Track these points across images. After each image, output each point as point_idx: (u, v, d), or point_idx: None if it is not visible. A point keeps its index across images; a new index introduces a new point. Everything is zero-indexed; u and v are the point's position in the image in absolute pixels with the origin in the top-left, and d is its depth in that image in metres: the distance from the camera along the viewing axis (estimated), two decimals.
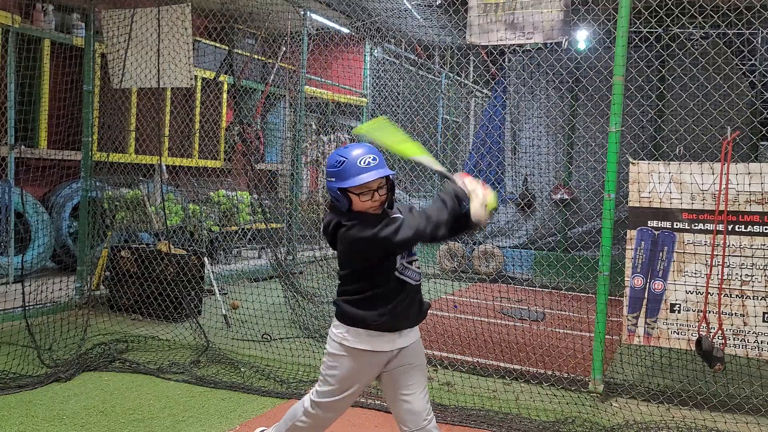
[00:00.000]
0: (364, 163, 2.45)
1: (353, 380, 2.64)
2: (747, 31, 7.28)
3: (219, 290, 6.27)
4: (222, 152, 9.20)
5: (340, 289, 2.66)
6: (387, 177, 2.53)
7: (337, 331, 2.63)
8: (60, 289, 5.96)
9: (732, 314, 4.10)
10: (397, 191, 10.80)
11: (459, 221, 2.51)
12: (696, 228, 4.18)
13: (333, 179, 2.50)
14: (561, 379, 4.57)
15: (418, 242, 2.48)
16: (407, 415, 2.61)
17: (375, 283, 2.55)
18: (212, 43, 8.67)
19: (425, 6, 7.78)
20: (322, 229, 2.66)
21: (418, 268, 2.64)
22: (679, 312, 4.21)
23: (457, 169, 12.49)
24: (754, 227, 4.06)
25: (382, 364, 2.63)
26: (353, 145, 2.55)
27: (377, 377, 2.68)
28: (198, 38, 8.50)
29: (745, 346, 4.08)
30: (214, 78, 8.84)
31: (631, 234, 4.31)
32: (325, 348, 2.75)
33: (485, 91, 12.98)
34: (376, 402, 3.99)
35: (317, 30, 8.68)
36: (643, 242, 4.28)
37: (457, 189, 2.48)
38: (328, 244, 2.68)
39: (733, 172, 4.06)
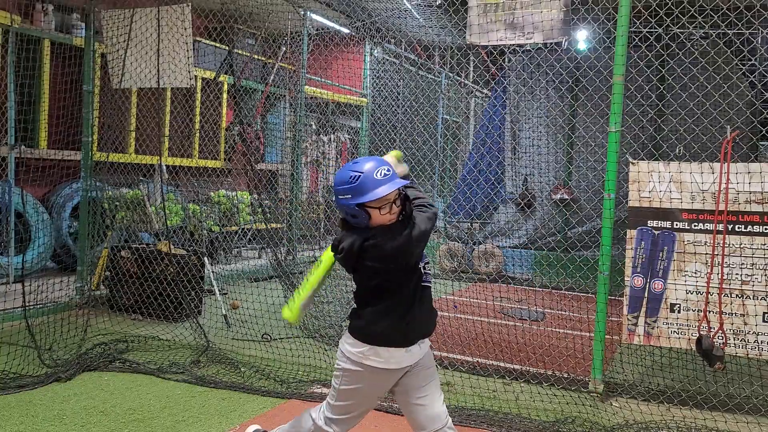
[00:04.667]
0: (380, 174, 2.40)
1: (370, 396, 2.64)
2: (747, 31, 7.28)
3: (219, 290, 6.27)
4: (222, 152, 9.21)
5: (359, 305, 2.63)
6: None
7: (355, 350, 2.57)
8: (60, 289, 5.96)
9: (732, 314, 4.10)
10: None
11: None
12: (696, 228, 4.18)
13: (349, 196, 2.42)
14: (561, 379, 4.57)
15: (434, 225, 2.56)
16: (426, 420, 2.58)
17: (395, 295, 2.53)
18: (212, 43, 8.67)
19: (425, 6, 7.78)
20: (336, 250, 2.57)
21: (431, 269, 2.67)
22: (679, 312, 4.21)
23: (457, 170, 12.51)
24: (754, 227, 4.06)
25: (398, 377, 2.62)
26: (362, 159, 2.50)
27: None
28: (198, 38, 8.50)
29: (745, 346, 4.08)
30: (214, 78, 8.84)
31: (631, 234, 4.31)
32: (336, 360, 2.68)
33: (485, 91, 12.98)
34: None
35: (317, 30, 8.68)
36: (643, 242, 4.28)
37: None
38: (342, 266, 2.61)
39: (733, 172, 4.06)
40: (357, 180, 2.41)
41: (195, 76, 7.77)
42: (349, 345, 2.59)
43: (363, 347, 2.55)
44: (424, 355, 2.63)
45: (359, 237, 2.47)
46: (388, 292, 2.52)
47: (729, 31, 7.16)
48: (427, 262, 2.63)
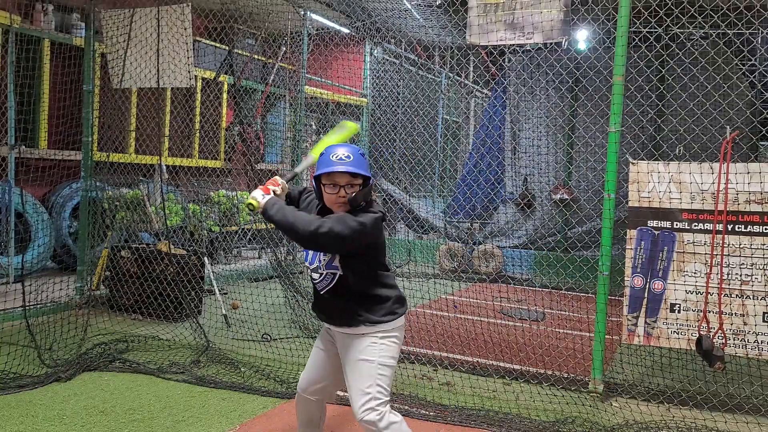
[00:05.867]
0: (336, 158, 2.60)
1: (318, 343, 2.91)
2: (747, 31, 7.28)
3: (219, 290, 6.27)
4: (222, 152, 9.20)
5: None
6: (366, 181, 2.64)
7: None
8: (60, 289, 5.96)
9: (732, 314, 4.10)
10: (397, 191, 10.77)
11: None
12: (696, 228, 4.18)
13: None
14: (561, 379, 4.57)
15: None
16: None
17: None
18: (212, 43, 8.67)
19: (425, 6, 7.78)
20: None
21: (322, 277, 2.70)
22: (679, 312, 4.22)
23: (457, 170, 12.51)
24: (754, 227, 4.06)
25: (328, 336, 2.84)
26: (341, 144, 2.73)
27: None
28: (198, 38, 8.49)
29: (745, 346, 4.08)
30: (214, 78, 8.83)
31: (631, 234, 4.31)
32: None
33: (485, 91, 12.98)
34: None
35: (317, 30, 8.68)
36: (643, 242, 4.28)
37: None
38: None
39: (733, 172, 4.06)
40: (322, 157, 2.67)
41: (195, 76, 7.77)
42: None
43: None
44: (344, 345, 2.73)
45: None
46: None
47: (729, 31, 7.16)
48: (317, 267, 2.71)
